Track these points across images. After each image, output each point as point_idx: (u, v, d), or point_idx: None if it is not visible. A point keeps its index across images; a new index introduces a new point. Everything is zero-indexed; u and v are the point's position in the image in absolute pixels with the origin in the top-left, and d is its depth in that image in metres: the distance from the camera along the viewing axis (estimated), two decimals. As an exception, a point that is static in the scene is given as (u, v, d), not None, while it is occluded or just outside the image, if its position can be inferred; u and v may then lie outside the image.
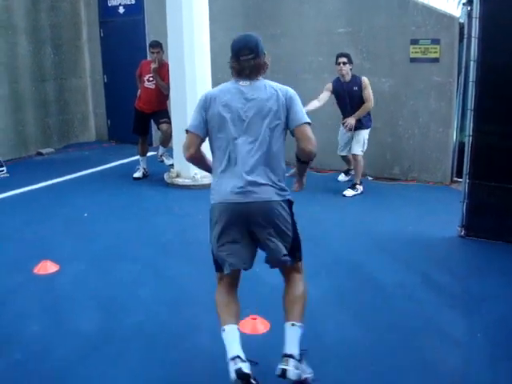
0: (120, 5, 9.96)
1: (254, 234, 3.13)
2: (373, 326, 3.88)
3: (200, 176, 7.38)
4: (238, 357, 2.97)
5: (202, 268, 4.96)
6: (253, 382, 2.93)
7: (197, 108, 3.20)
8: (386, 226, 5.87)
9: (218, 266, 3.23)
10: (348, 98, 6.89)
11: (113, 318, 4.05)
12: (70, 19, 10.25)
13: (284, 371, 2.99)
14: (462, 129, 7.03)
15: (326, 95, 6.96)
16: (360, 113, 6.80)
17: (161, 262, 5.09)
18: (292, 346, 3.09)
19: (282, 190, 3.14)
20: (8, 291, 4.51)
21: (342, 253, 5.18)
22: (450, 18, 7.13)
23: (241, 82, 3.14)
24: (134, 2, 9.78)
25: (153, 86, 7.72)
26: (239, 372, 2.90)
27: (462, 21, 6.93)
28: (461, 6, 7.40)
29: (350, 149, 7.11)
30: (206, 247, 5.36)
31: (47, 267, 4.87)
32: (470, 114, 5.28)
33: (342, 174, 7.64)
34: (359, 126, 6.91)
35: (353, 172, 7.39)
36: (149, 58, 8.04)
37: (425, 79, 7.27)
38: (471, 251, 5.28)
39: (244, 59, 3.10)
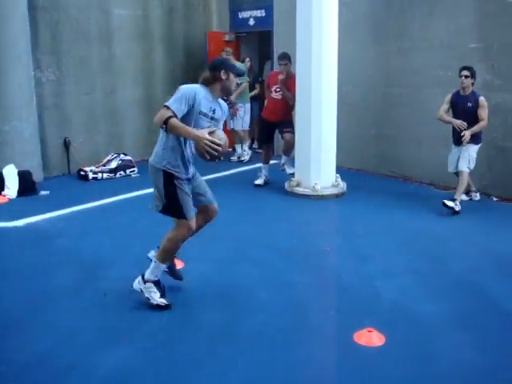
0: (251, 17, 10.32)
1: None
2: (491, 350, 3.78)
3: (320, 187, 7.50)
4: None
5: (318, 275, 5.09)
6: None
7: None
8: None
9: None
10: (461, 112, 6.86)
11: (233, 317, 4.24)
12: (202, 29, 10.78)
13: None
14: None
15: (445, 107, 7.06)
16: (476, 129, 6.74)
17: (280, 267, 5.24)
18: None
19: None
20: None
21: (465, 274, 5.07)
22: None
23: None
24: (264, 14, 10.09)
25: (279, 97, 7.94)
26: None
27: None
28: None
29: (457, 165, 6.98)
30: (323, 255, 5.50)
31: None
32: None
33: (463, 195, 7.38)
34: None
35: (473, 194, 7.31)
36: (276, 69, 8.26)
37: (560, 98, 6.95)
38: None
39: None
